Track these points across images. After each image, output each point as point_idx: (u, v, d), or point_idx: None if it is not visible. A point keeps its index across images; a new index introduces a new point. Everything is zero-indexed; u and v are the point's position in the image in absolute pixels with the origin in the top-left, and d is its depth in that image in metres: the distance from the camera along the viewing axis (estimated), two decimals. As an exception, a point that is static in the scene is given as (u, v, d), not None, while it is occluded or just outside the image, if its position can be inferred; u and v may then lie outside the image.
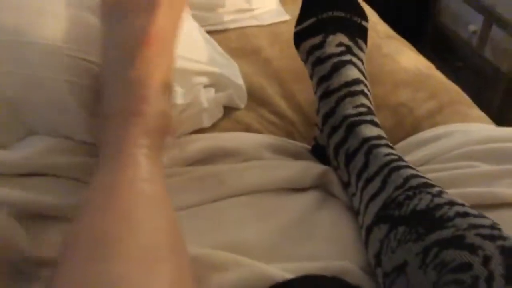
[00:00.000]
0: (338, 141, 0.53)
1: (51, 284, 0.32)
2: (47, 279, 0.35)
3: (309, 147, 0.64)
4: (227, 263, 0.44)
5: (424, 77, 0.81)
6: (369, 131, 0.52)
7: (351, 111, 0.54)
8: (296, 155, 0.60)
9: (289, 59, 0.80)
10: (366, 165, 0.49)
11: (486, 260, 0.35)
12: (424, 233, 0.40)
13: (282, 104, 0.69)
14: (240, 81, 0.69)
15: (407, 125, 0.71)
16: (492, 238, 0.38)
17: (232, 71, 0.70)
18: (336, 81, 0.57)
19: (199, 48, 0.69)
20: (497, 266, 0.35)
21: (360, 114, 0.53)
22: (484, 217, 0.41)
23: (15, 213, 0.46)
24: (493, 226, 0.39)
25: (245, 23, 0.89)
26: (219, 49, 0.75)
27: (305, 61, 0.64)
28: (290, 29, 0.75)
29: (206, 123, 0.64)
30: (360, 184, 0.49)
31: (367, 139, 0.51)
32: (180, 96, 0.61)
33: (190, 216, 0.53)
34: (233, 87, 0.68)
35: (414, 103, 0.73)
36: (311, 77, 0.62)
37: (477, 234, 0.38)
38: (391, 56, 0.85)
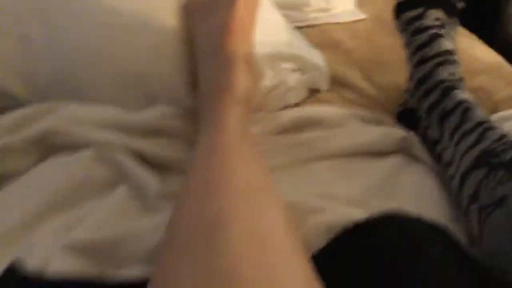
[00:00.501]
0: (433, 101, 0.60)
1: (173, 215, 0.41)
2: (171, 210, 0.43)
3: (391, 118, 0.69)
4: (323, 206, 0.50)
5: (499, 67, 0.83)
6: (463, 94, 0.58)
7: (446, 76, 0.60)
8: (378, 122, 0.65)
9: (368, 50, 0.86)
10: (462, 122, 0.55)
11: None
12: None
13: (363, 85, 0.75)
14: (323, 64, 0.76)
15: (487, 108, 0.74)
16: None
17: (316, 57, 0.78)
18: (433, 50, 0.64)
19: (286, 38, 0.77)
20: None
21: (454, 80, 0.60)
22: None
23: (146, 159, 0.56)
24: None
25: (325, 20, 0.96)
26: (304, 40, 0.83)
27: (402, 30, 0.71)
28: (368, 27, 0.81)
29: (292, 101, 0.71)
30: (456, 137, 0.54)
31: (463, 101, 0.57)
32: (269, 78, 0.70)
33: (281, 176, 0.59)
34: (317, 70, 0.74)
35: (493, 88, 0.75)
36: (407, 45, 0.70)
37: None
38: (465, 50, 0.88)
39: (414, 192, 0.55)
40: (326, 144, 0.60)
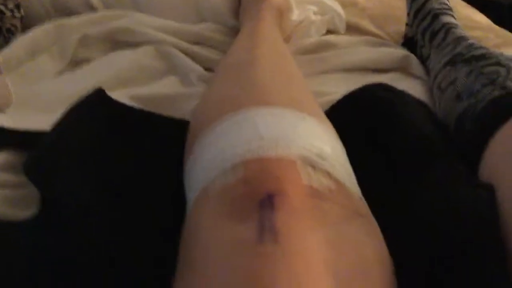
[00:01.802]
0: (425, 25, 0.72)
1: (209, 87, 0.53)
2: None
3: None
4: (330, 91, 0.63)
5: (490, 25, 0.95)
6: (448, 19, 0.70)
7: (436, 6, 0.73)
8: (383, 45, 0.78)
9: (381, 9, 0.99)
10: (444, 39, 0.67)
11: (509, 68, 0.51)
12: (475, 63, 0.56)
13: (375, 31, 0.88)
14: (341, 11, 0.90)
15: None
16: None
17: (336, 5, 0.91)
18: None
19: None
20: None
21: (443, 8, 0.72)
22: None
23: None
24: None
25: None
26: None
27: None
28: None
29: (313, 35, 0.85)
30: (438, 51, 0.66)
31: (447, 23, 0.69)
32: (296, 15, 0.84)
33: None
34: (336, 14, 0.88)
35: (485, 39, 0.86)
36: None
37: (508, 59, 0.53)
38: (463, 12, 0.97)
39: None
40: (338, 60, 0.74)
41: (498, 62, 0.52)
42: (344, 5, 1.01)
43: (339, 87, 0.68)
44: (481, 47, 0.60)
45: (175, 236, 0.37)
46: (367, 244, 0.32)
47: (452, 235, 0.35)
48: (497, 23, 1.02)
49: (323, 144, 0.37)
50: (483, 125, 0.44)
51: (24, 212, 0.41)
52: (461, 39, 0.64)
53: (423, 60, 0.73)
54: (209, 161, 0.36)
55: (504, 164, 0.38)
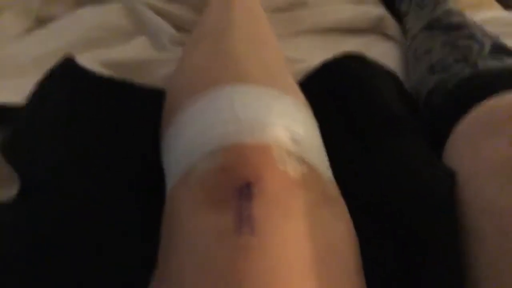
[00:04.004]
0: None
1: (185, 57, 0.52)
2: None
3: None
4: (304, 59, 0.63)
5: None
6: None
7: None
8: (359, 2, 0.78)
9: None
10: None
11: (482, 44, 0.52)
12: (451, 32, 0.56)
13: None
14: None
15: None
16: (491, 37, 0.54)
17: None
18: None
19: None
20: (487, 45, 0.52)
21: None
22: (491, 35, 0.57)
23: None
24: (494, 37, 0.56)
25: None
26: None
27: None
28: None
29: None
30: (417, 9, 0.66)
31: None
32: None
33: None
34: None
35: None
36: None
37: (483, 34, 0.54)
38: None
39: (379, 59, 0.68)
40: (312, 20, 0.73)
41: (473, 36, 0.53)
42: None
43: (312, 52, 0.68)
44: (458, 14, 0.61)
45: (153, 210, 0.38)
46: (337, 227, 0.34)
47: (406, 216, 0.38)
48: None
49: (297, 125, 0.38)
50: (451, 106, 0.45)
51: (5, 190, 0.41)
52: (439, 0, 0.64)
53: (402, 16, 0.73)
54: (187, 145, 0.37)
55: (464, 152, 0.40)
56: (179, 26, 0.69)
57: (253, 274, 0.28)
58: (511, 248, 0.34)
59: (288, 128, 0.37)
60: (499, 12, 0.83)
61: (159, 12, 0.69)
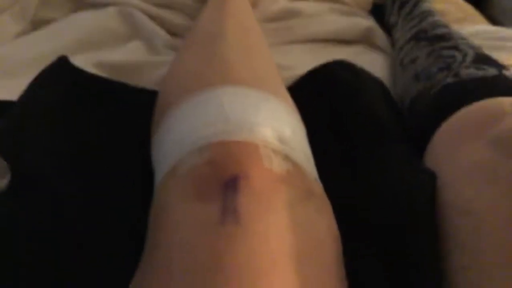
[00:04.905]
0: None
1: (177, 60, 0.53)
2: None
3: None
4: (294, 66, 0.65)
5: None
6: None
7: None
8: (351, 14, 0.80)
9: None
10: (411, 11, 0.70)
11: (465, 54, 0.54)
12: (436, 43, 0.58)
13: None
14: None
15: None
16: (474, 48, 0.56)
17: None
18: None
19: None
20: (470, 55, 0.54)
21: None
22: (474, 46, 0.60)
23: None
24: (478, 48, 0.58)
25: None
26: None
27: None
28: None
29: (281, 0, 0.85)
30: (405, 22, 0.69)
31: None
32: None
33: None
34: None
35: (447, 12, 0.90)
36: None
37: (466, 45, 0.56)
38: None
39: (366, 67, 0.70)
40: (303, 30, 0.75)
41: (457, 46, 0.55)
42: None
43: (303, 60, 0.69)
44: (444, 26, 0.63)
45: (143, 206, 0.39)
46: (320, 223, 0.35)
47: (388, 220, 0.39)
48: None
49: (285, 126, 0.39)
50: (432, 112, 0.47)
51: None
52: (427, 13, 0.67)
53: (390, 27, 0.75)
54: (177, 141, 0.38)
55: (444, 156, 0.42)
56: (173, 32, 0.71)
57: (235, 260, 0.29)
58: (487, 248, 0.35)
59: (275, 128, 0.38)
60: (484, 26, 0.86)
61: (153, 18, 0.70)
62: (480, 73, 0.49)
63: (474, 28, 0.79)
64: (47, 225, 0.39)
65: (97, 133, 0.48)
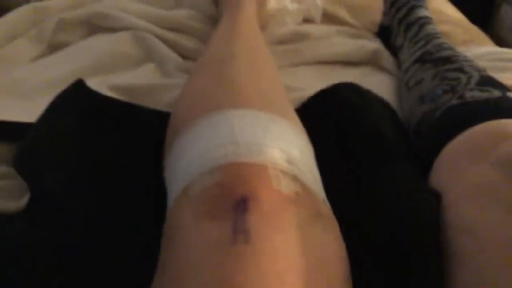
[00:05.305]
0: (402, 16, 0.78)
1: (189, 82, 0.55)
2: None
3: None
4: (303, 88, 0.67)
5: (461, 20, 1.01)
6: (423, 13, 0.75)
7: None
8: (358, 37, 0.81)
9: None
10: (417, 33, 0.71)
11: (470, 76, 0.55)
12: (441, 65, 0.60)
13: (350, 20, 0.91)
14: (318, 2, 0.92)
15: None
16: (479, 70, 0.57)
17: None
18: None
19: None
20: (475, 77, 0.55)
21: (419, 1, 0.77)
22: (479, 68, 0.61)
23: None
24: (482, 70, 0.59)
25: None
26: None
27: None
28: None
29: (289, 23, 0.87)
30: (411, 44, 0.70)
31: (422, 17, 0.74)
32: (273, 3, 0.86)
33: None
34: (313, 4, 0.90)
35: (453, 33, 0.92)
36: None
37: (471, 67, 0.58)
38: (437, 7, 1.03)
39: (373, 89, 0.71)
40: (312, 52, 0.76)
41: (461, 68, 0.56)
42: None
43: (311, 82, 0.71)
44: (449, 48, 0.65)
45: (156, 227, 0.40)
46: (328, 243, 0.36)
47: (394, 239, 0.40)
48: (469, 17, 1.06)
49: (293, 148, 0.41)
50: (437, 133, 0.48)
51: (15, 203, 0.44)
52: (432, 35, 0.68)
53: (396, 49, 0.77)
54: (189, 162, 0.39)
55: (448, 177, 0.43)
56: (185, 55, 0.73)
57: (245, 279, 0.30)
58: (491, 267, 0.36)
59: (283, 149, 0.39)
60: (490, 47, 0.87)
61: (166, 42, 0.73)
62: (485, 95, 0.50)
63: (479, 50, 0.80)
64: (63, 242, 0.40)
65: (113, 155, 0.49)
